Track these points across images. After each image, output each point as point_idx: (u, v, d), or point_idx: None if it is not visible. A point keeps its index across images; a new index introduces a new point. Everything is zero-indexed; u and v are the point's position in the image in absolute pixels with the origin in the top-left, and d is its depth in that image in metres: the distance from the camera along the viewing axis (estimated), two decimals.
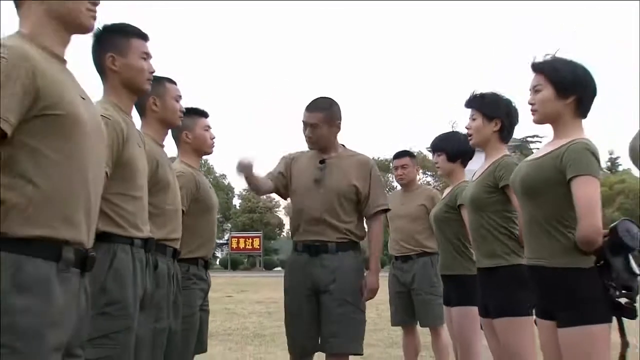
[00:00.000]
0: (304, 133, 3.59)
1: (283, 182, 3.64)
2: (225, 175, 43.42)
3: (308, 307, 3.44)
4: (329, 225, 3.45)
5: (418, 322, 4.76)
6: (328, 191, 3.50)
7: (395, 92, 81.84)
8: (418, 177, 5.76)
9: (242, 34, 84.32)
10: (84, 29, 1.81)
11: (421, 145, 40.54)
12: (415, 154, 5.39)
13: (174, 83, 3.00)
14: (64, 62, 1.77)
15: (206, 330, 3.40)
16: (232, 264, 43.59)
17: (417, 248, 4.64)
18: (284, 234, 54.59)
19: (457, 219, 3.46)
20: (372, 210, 3.55)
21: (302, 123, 3.59)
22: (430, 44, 79.97)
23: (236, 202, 44.09)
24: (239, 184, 50.02)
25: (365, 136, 77.65)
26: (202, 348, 3.34)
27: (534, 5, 78.47)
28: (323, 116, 3.52)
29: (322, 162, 3.57)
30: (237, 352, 6.50)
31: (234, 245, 42.44)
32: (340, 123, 3.60)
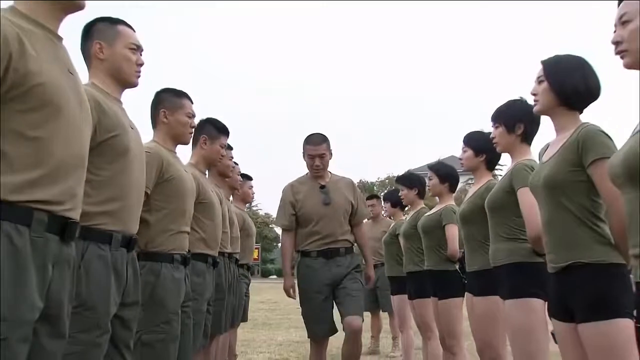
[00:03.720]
0: (312, 164, 4.10)
1: (294, 218, 4.24)
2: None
3: (328, 299, 4.06)
4: (339, 237, 4.13)
5: (380, 309, 6.64)
6: (335, 210, 4.10)
7: (387, 116, 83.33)
8: None
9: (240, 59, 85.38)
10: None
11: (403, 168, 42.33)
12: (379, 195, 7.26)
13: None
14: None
15: (247, 307, 5.20)
16: None
17: (379, 260, 6.45)
18: (280, 245, 55.94)
19: (398, 243, 5.21)
20: (360, 219, 4.31)
21: (308, 157, 4.10)
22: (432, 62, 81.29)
23: None
24: None
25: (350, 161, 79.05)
26: (245, 318, 5.15)
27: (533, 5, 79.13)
28: (326, 146, 4.13)
29: (322, 187, 4.15)
30: (252, 334, 8.32)
31: None
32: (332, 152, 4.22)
